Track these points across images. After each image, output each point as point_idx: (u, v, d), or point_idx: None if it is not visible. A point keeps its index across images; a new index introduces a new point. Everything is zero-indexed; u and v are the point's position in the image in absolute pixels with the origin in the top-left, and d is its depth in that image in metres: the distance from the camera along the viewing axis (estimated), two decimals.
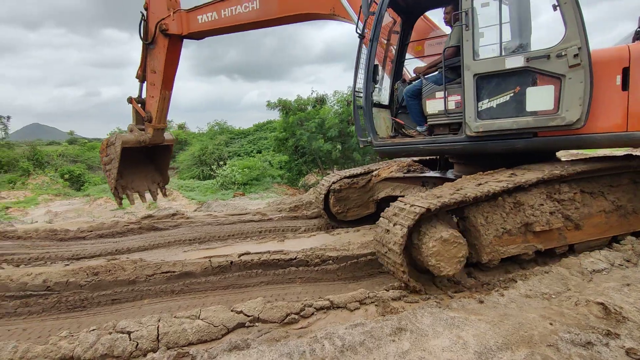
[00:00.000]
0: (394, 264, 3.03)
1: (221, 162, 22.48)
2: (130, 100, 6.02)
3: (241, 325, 2.69)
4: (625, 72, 3.32)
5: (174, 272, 3.92)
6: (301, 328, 2.63)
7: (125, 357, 2.42)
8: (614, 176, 3.70)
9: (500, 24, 3.65)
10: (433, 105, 4.22)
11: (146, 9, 5.59)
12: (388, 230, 3.11)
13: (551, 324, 2.44)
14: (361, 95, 4.30)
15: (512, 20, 4.05)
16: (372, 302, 2.92)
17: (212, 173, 21.06)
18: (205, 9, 5.13)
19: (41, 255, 4.89)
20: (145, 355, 2.42)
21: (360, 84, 4.31)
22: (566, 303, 2.71)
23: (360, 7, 4.07)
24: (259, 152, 25.05)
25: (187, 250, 5.03)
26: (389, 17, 5.00)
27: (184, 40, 5.64)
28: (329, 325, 2.62)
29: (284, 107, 18.79)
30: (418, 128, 4.49)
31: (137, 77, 5.97)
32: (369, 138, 4.33)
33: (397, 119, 4.81)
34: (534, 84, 3.49)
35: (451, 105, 4.03)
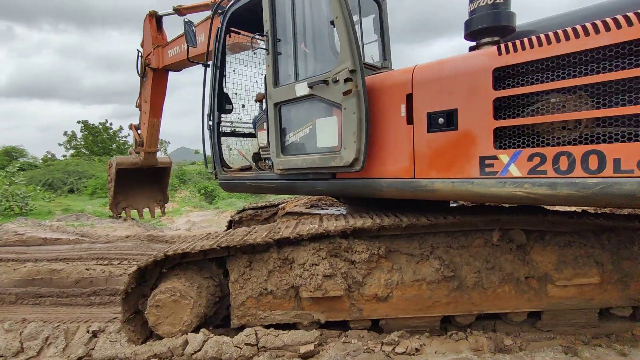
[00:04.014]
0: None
1: None
2: (130, 126, 6.72)
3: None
4: (409, 100, 2.51)
5: None
6: (401, 354, 2.53)
7: None
8: (460, 234, 2.66)
9: (295, 46, 3.09)
10: (261, 137, 3.78)
11: (142, 46, 6.31)
12: None
13: None
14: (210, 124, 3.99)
15: (313, 42, 3.31)
16: (484, 335, 2.64)
17: None
18: (172, 44, 5.69)
19: None
20: None
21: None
22: None
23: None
24: None
25: None
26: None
27: (169, 72, 6.19)
28: (431, 357, 2.47)
29: None
30: (267, 161, 4.02)
31: (136, 107, 6.62)
32: (215, 170, 4.02)
33: (240, 151, 4.51)
34: (324, 115, 2.89)
35: None
